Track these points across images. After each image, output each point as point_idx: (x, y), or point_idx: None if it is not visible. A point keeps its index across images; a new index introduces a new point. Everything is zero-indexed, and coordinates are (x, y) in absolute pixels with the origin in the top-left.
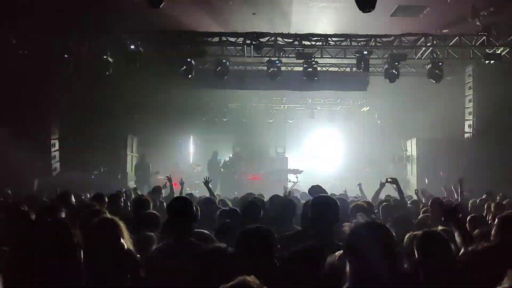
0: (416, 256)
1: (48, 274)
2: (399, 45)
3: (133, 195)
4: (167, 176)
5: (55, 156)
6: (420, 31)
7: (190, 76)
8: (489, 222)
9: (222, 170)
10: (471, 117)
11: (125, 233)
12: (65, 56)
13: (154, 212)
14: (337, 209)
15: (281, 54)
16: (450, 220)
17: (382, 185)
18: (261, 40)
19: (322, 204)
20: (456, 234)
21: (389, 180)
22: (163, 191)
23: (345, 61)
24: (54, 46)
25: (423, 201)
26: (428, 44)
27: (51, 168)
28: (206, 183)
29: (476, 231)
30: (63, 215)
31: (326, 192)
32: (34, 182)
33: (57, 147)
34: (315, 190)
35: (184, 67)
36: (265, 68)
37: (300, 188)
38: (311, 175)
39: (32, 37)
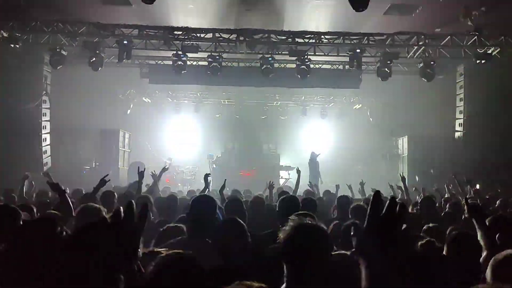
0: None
1: None
2: (392, 43)
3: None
4: (151, 172)
5: (46, 151)
6: (413, 30)
7: (183, 72)
8: None
9: (214, 166)
10: (461, 115)
11: None
12: (57, 49)
13: None
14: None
15: (274, 51)
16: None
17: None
18: (255, 36)
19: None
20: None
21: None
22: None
23: (338, 58)
24: (47, 40)
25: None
26: (420, 43)
27: (42, 163)
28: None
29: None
30: None
31: (299, 206)
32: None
33: (48, 141)
34: (285, 204)
35: (177, 63)
36: (258, 64)
37: (291, 185)
38: (303, 172)
39: (23, 31)
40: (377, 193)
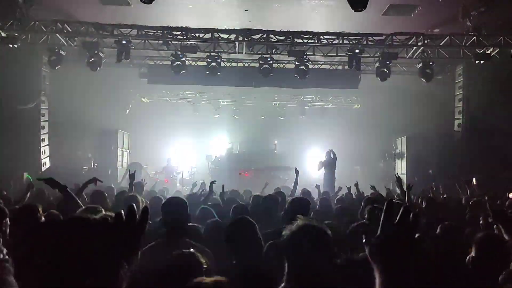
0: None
1: None
2: (391, 44)
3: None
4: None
5: (45, 151)
6: (412, 31)
7: (182, 72)
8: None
9: (212, 166)
10: (460, 116)
11: None
12: (56, 49)
13: None
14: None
15: (273, 51)
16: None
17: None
18: (253, 37)
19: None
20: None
21: (396, 176)
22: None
23: (337, 59)
24: (45, 40)
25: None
26: (419, 43)
27: (40, 163)
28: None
29: None
30: None
31: (308, 207)
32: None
33: (46, 142)
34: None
35: (176, 63)
36: (257, 65)
37: (290, 185)
38: (301, 172)
39: (22, 31)
40: (390, 202)
